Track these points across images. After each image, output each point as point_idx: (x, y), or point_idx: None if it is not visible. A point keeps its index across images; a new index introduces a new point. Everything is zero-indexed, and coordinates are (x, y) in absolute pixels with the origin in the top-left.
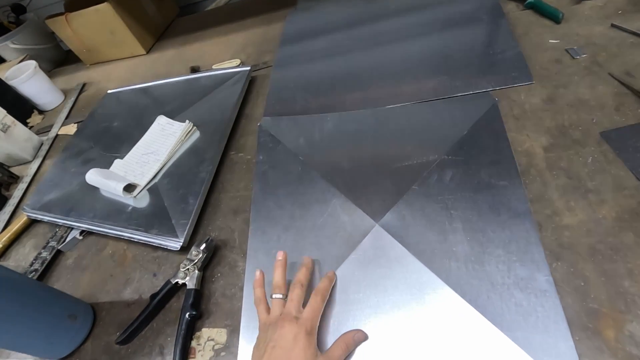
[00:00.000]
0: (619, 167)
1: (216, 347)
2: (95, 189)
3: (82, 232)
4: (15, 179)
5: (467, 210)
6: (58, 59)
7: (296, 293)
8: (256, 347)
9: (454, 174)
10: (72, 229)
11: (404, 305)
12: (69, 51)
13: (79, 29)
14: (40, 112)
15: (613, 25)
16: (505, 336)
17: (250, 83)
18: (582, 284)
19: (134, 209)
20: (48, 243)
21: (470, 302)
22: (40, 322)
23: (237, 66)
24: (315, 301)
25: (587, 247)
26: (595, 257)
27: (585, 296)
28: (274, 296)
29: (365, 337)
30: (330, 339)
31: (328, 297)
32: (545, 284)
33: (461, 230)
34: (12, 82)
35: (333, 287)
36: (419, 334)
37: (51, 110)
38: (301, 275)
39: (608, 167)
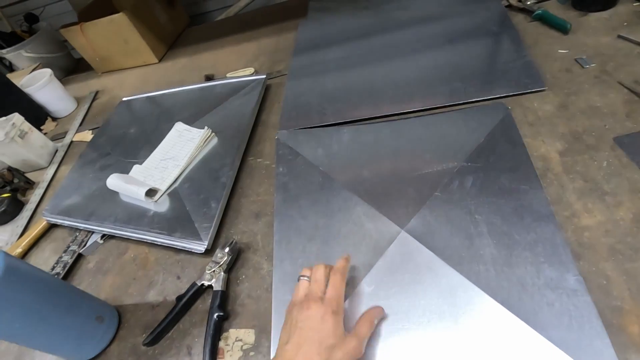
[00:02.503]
0: (634, 170)
1: (244, 347)
2: (115, 194)
3: (102, 236)
4: (31, 184)
5: (490, 215)
6: (69, 67)
7: (320, 273)
8: (283, 329)
9: (475, 180)
10: (93, 233)
11: (436, 308)
12: (80, 59)
13: (93, 38)
14: (54, 119)
15: (619, 37)
16: (541, 336)
17: (265, 91)
18: (605, 282)
19: (156, 213)
20: (69, 247)
21: (502, 303)
22: (70, 323)
23: (252, 74)
24: (335, 279)
25: (607, 247)
26: (616, 256)
27: (608, 294)
28: (300, 278)
29: (384, 312)
30: (373, 347)
31: (346, 275)
32: (576, 283)
33: (486, 234)
34: (28, 90)
35: (363, 292)
36: (454, 337)
37: (64, 117)
38: (339, 264)
39: (623, 170)
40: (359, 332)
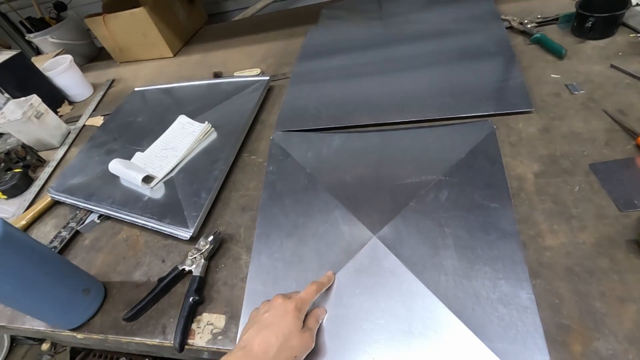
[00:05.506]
0: (603, 197)
1: (214, 331)
2: (115, 177)
3: (100, 216)
4: (42, 162)
5: (459, 229)
6: (91, 55)
7: (294, 293)
8: (250, 318)
9: (450, 194)
10: (92, 212)
11: (394, 312)
12: (102, 48)
13: (114, 29)
14: (70, 103)
15: (612, 66)
16: (486, 347)
17: (268, 92)
18: (557, 301)
19: (150, 198)
20: (68, 223)
21: (455, 313)
22: (58, 292)
23: (257, 75)
24: (310, 288)
25: (564, 268)
26: (572, 277)
27: (558, 312)
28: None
29: (326, 312)
30: (326, 336)
31: (323, 290)
32: (527, 301)
33: (452, 247)
34: (49, 74)
35: (329, 290)
36: (406, 340)
37: (80, 102)
38: (321, 279)
39: (593, 196)
40: (310, 326)
